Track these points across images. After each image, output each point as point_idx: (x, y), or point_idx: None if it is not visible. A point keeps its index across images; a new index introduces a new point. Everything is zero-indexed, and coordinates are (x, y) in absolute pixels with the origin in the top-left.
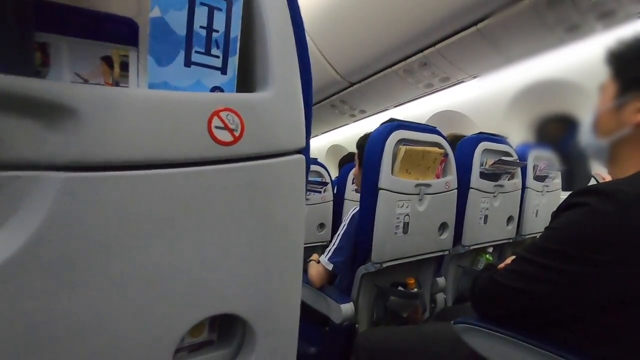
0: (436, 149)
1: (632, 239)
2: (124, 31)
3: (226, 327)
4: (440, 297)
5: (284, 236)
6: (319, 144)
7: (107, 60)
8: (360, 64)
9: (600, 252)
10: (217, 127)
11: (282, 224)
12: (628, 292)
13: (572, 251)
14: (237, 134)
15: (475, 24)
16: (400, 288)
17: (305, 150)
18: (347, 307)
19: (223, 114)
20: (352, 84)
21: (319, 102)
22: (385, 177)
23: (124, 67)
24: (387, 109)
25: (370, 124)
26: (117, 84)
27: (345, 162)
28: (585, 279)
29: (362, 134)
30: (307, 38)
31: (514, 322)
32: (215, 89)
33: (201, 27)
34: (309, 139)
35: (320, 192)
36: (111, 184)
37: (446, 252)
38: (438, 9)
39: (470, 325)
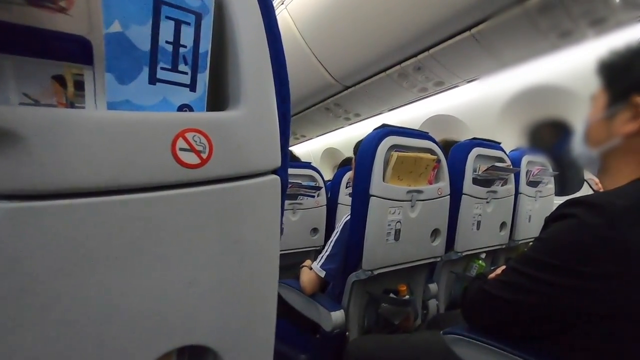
0: (428, 155)
1: (620, 252)
2: (75, 49)
3: (196, 356)
4: (432, 303)
5: (257, 262)
6: (314, 147)
7: (59, 80)
8: (354, 67)
9: (587, 264)
10: (182, 149)
11: (255, 249)
12: (614, 305)
13: (559, 263)
14: (204, 155)
15: (469, 29)
16: (391, 295)
17: (280, 169)
18: (338, 315)
19: (189, 135)
20: (346, 88)
21: (314, 105)
22: (377, 184)
23: (79, 86)
24: (381, 113)
25: (365, 127)
26: (72, 105)
27: (343, 166)
28: (572, 291)
29: (357, 138)
30: (302, 42)
31: (503, 333)
32: (183, 106)
33: (167, 42)
34: (287, 158)
35: (313, 196)
36: (63, 213)
37: (438, 259)
38: (432, 13)
39: (458, 335)
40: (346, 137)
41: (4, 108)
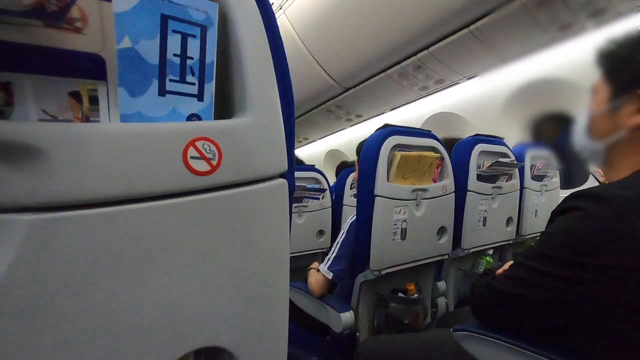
0: (432, 153)
1: (627, 243)
2: (90, 66)
3: (212, 356)
4: (441, 301)
5: (267, 264)
6: (317, 150)
7: (75, 96)
8: (354, 68)
9: (594, 256)
10: (192, 158)
11: (266, 252)
12: (623, 297)
13: (566, 256)
14: (214, 162)
15: (467, 25)
16: (400, 294)
17: (288, 173)
18: (347, 316)
19: (199, 144)
20: (347, 89)
21: (315, 108)
22: (381, 184)
23: (94, 101)
24: (383, 113)
25: (367, 128)
26: (87, 119)
27: (343, 168)
28: (580, 284)
29: (359, 138)
30: (301, 45)
31: (513, 328)
32: (192, 116)
33: (175, 54)
34: (293, 161)
35: (318, 198)
36: (83, 223)
37: (445, 257)
38: (430, 12)
39: (469, 332)
40: (348, 138)
41: (25, 124)
